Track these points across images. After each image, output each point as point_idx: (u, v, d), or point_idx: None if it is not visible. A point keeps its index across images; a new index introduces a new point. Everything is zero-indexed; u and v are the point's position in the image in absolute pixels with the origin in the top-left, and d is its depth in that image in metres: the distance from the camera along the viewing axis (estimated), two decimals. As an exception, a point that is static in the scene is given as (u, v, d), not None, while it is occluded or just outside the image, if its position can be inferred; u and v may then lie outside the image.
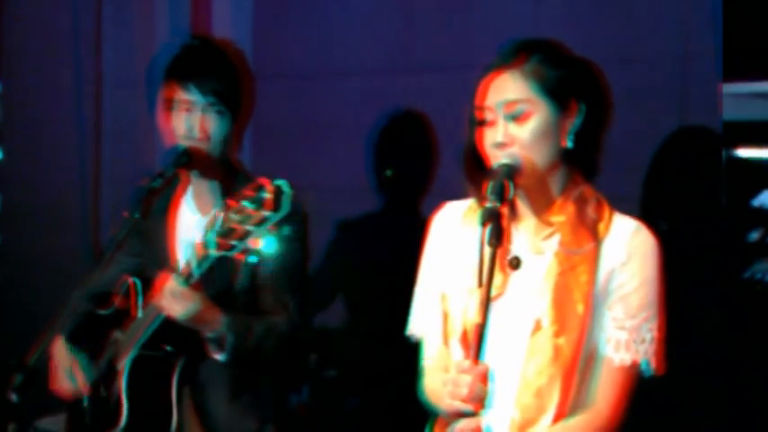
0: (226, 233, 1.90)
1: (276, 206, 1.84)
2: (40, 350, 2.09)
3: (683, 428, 2.54)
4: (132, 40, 3.61)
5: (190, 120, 2.27)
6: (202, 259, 2.00)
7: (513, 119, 1.81)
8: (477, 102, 1.86)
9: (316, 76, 3.26)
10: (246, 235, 1.87)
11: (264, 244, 1.88)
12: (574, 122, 1.85)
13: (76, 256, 3.72)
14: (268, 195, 1.84)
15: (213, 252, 1.93)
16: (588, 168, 1.90)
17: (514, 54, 1.85)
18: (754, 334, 2.45)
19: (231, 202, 1.88)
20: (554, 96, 1.82)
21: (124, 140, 3.65)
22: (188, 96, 2.26)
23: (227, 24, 3.39)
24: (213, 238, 1.91)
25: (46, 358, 2.22)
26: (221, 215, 1.90)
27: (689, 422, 2.53)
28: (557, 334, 1.79)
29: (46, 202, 3.90)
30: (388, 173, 3.04)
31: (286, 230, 1.89)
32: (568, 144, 1.84)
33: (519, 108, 1.81)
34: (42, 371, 2.24)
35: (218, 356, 2.20)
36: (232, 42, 2.45)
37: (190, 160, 2.25)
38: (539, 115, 1.81)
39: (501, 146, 1.81)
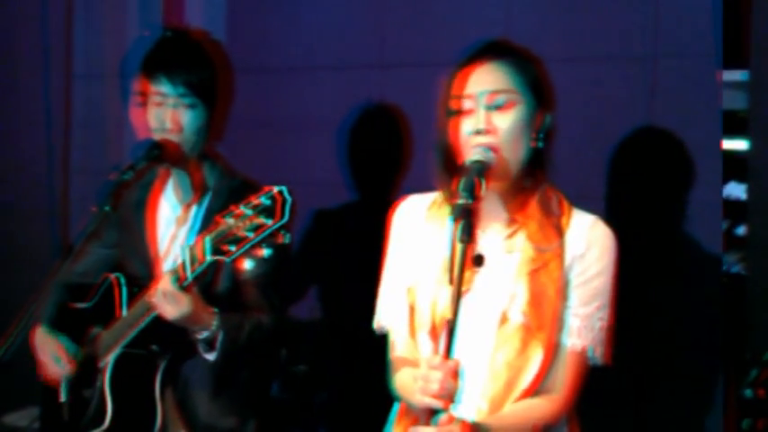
0: (224, 238, 1.88)
1: (276, 214, 1.81)
2: (6, 344, 2.06)
3: (653, 421, 2.57)
4: (102, 31, 3.58)
5: (161, 113, 2.24)
6: (198, 263, 1.98)
7: (496, 108, 1.81)
8: (454, 91, 1.84)
9: (288, 69, 3.25)
10: (243, 241, 1.85)
11: (266, 253, 1.86)
12: (544, 122, 1.86)
13: (44, 248, 3.68)
14: (269, 203, 1.81)
15: (209, 257, 1.92)
16: (548, 168, 1.90)
17: (494, 48, 1.86)
18: (722, 325, 2.47)
19: (234, 208, 1.86)
20: (534, 92, 1.84)
21: (93, 132, 3.62)
22: (158, 89, 2.23)
23: (200, 17, 3.37)
24: (211, 242, 1.91)
25: (14, 353, 2.20)
26: (222, 220, 1.88)
27: (659, 413, 2.56)
28: (537, 329, 1.81)
29: (13, 195, 3.85)
30: None
31: (287, 239, 1.85)
32: (539, 144, 1.85)
33: (502, 98, 1.81)
34: (9, 366, 2.21)
35: (209, 356, 2.17)
36: (208, 33, 2.41)
37: (161, 153, 2.22)
38: (520, 107, 1.82)
39: (482, 132, 1.80)
